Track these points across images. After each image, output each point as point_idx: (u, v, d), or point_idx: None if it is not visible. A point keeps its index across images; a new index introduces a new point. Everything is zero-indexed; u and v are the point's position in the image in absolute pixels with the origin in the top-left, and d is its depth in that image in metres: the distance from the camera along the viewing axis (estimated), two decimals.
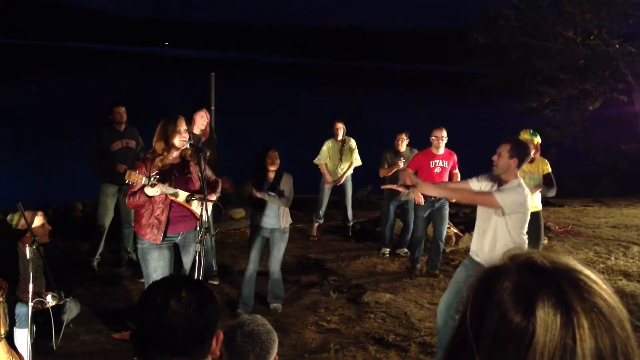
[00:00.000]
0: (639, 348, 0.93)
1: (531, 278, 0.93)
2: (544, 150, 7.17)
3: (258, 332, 2.35)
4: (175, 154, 4.83)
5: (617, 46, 14.33)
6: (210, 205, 4.94)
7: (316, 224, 9.01)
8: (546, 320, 0.88)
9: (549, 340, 0.88)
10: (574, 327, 0.88)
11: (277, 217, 6.01)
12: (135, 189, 4.66)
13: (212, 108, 9.04)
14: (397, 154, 7.93)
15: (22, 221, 4.80)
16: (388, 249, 8.21)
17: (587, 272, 0.95)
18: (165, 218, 4.78)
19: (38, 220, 4.96)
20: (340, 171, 8.62)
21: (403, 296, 6.65)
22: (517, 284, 0.93)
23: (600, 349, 0.88)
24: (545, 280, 0.92)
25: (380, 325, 5.84)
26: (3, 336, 4.26)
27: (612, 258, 8.05)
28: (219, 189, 5.23)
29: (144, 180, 4.55)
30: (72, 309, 5.13)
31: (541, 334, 0.88)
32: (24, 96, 34.20)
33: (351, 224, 9.14)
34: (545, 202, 11.92)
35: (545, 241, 8.70)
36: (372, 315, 6.06)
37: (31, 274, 4.26)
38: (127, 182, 4.60)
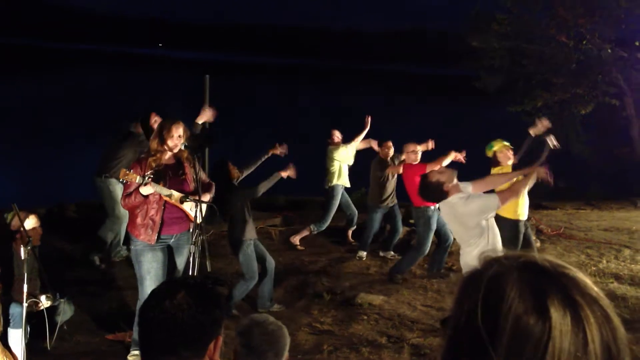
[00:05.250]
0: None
1: (536, 278, 0.97)
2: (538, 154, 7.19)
3: (273, 331, 2.41)
4: (169, 155, 4.86)
5: (610, 51, 14.41)
6: (204, 207, 4.96)
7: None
8: (558, 318, 0.92)
9: (563, 335, 0.92)
10: (582, 321, 0.93)
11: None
12: (131, 190, 4.67)
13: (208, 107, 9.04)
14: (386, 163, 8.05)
15: (16, 222, 4.80)
16: (365, 252, 8.25)
17: (575, 269, 1.00)
18: (160, 219, 4.79)
19: (31, 223, 4.96)
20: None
21: (396, 298, 6.67)
22: (524, 284, 0.96)
23: (604, 339, 0.93)
24: (549, 279, 0.96)
25: (374, 327, 5.86)
26: None
27: (604, 261, 8.10)
28: (213, 191, 5.25)
29: (138, 179, 4.58)
30: (66, 310, 5.14)
31: (557, 332, 0.92)
32: (17, 96, 34.07)
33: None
34: (538, 205, 12.02)
35: (537, 244, 8.75)
36: (366, 317, 6.08)
37: (26, 274, 4.27)
38: (121, 180, 4.63)
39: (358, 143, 8.57)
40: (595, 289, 0.98)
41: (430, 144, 7.87)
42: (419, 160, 7.47)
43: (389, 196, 8.11)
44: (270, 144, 7.16)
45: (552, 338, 0.92)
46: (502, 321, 0.94)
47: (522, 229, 6.68)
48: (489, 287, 0.99)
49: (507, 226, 6.52)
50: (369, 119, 8.63)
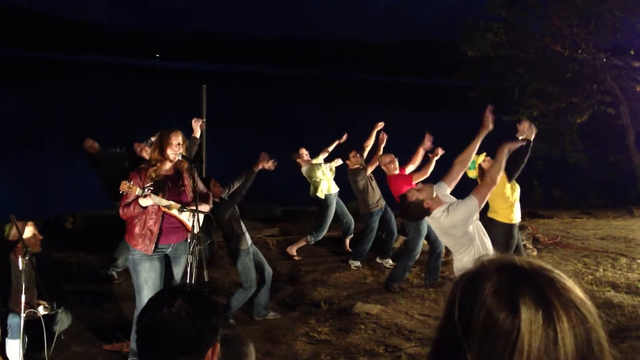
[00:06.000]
0: (608, 342, 1.00)
1: (511, 277, 1.00)
2: (532, 163, 7.21)
3: (237, 343, 2.38)
4: (168, 165, 4.87)
5: (605, 60, 14.46)
6: (202, 217, 4.97)
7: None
8: (529, 315, 0.96)
9: (533, 333, 0.95)
10: (554, 320, 0.95)
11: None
12: (129, 200, 4.69)
13: (204, 120, 9.07)
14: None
15: (13, 232, 4.81)
16: (359, 262, 8.25)
17: (558, 271, 1.03)
18: (158, 229, 4.81)
19: (29, 231, 4.98)
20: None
21: (393, 307, 6.68)
22: (499, 283, 1.00)
23: (577, 339, 0.96)
24: (524, 279, 1.00)
25: (371, 336, 5.87)
26: None
27: (601, 269, 8.11)
28: (211, 202, 5.28)
29: (137, 191, 4.59)
30: (64, 320, 5.14)
31: (526, 329, 0.95)
32: (15, 108, 34.09)
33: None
34: (534, 214, 12.05)
35: (534, 253, 8.78)
36: (363, 327, 6.08)
37: (24, 285, 4.28)
38: (121, 192, 4.64)
39: (325, 155, 8.68)
40: (576, 291, 1.00)
41: (428, 142, 7.59)
42: (398, 168, 7.48)
43: (378, 198, 8.12)
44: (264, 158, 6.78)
45: (521, 335, 0.95)
46: (475, 317, 0.98)
47: (516, 233, 6.70)
48: (466, 286, 1.03)
49: (501, 230, 6.54)
50: (345, 135, 8.70)
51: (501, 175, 5.51)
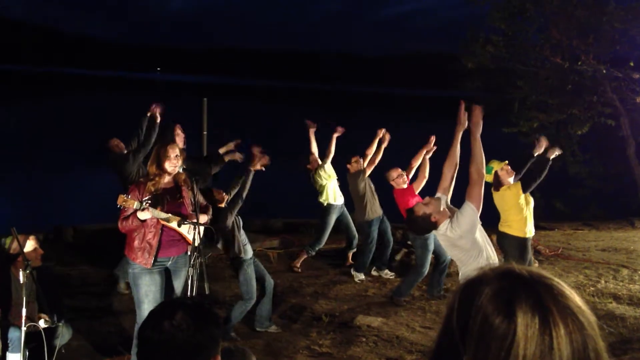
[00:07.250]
0: (607, 351, 1.00)
1: (510, 284, 1.02)
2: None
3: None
4: (167, 178, 4.88)
5: (604, 71, 14.47)
6: (202, 230, 4.97)
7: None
8: (526, 320, 0.97)
9: (529, 338, 0.95)
10: (550, 326, 0.96)
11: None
12: (128, 213, 4.69)
13: (205, 133, 9.11)
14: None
15: (14, 245, 4.81)
16: (361, 274, 8.19)
17: (558, 280, 1.04)
18: (157, 242, 4.79)
19: (30, 245, 4.97)
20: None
21: (395, 320, 6.66)
22: (496, 289, 1.01)
23: (574, 345, 0.96)
24: (523, 285, 1.01)
25: (372, 349, 5.85)
26: None
27: (602, 281, 8.10)
28: (210, 213, 5.27)
29: (135, 204, 4.59)
30: (64, 334, 5.12)
31: (522, 333, 0.96)
32: (15, 121, 34.17)
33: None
34: (535, 225, 12.02)
35: (535, 264, 8.76)
36: (364, 339, 6.07)
37: (24, 298, 4.27)
38: (119, 206, 4.64)
39: (330, 158, 8.56)
40: (575, 299, 1.01)
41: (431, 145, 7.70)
42: (406, 182, 7.49)
43: (377, 205, 8.08)
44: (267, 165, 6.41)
45: (517, 339, 0.96)
46: (471, 320, 0.99)
47: (530, 246, 6.70)
48: (465, 290, 1.04)
49: (515, 244, 6.53)
50: (335, 135, 8.67)
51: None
